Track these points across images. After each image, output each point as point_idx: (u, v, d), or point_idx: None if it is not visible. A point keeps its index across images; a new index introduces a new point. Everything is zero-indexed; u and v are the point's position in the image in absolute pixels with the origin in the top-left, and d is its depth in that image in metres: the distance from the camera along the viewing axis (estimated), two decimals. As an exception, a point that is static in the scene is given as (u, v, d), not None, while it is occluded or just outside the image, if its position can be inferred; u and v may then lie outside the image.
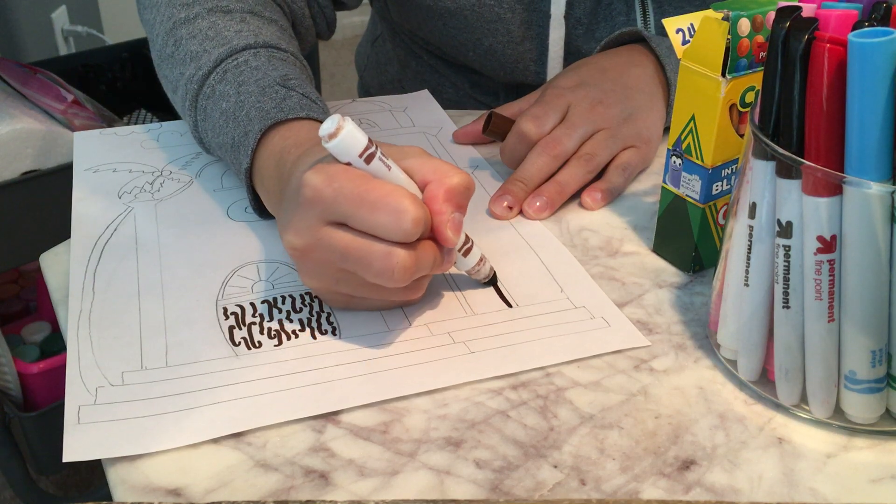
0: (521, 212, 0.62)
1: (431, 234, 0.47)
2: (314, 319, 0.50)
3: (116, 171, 0.65)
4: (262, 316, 0.51)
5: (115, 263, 0.55)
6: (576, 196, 0.64)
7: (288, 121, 0.55)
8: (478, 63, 0.80)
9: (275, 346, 0.48)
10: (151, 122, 1.49)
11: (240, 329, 0.49)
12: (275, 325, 0.50)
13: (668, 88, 0.67)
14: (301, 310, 0.51)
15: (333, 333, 0.49)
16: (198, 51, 0.60)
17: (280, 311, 0.51)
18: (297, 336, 0.49)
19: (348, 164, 0.45)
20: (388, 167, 0.46)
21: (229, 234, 0.58)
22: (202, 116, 0.60)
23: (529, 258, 0.57)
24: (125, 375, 0.46)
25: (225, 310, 0.51)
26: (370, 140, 0.45)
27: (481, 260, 0.52)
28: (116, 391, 0.45)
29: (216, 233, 0.58)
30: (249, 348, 0.48)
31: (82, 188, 0.63)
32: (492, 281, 0.54)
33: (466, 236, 0.51)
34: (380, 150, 0.45)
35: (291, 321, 0.50)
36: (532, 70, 0.78)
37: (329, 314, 0.51)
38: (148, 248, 0.56)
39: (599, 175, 0.64)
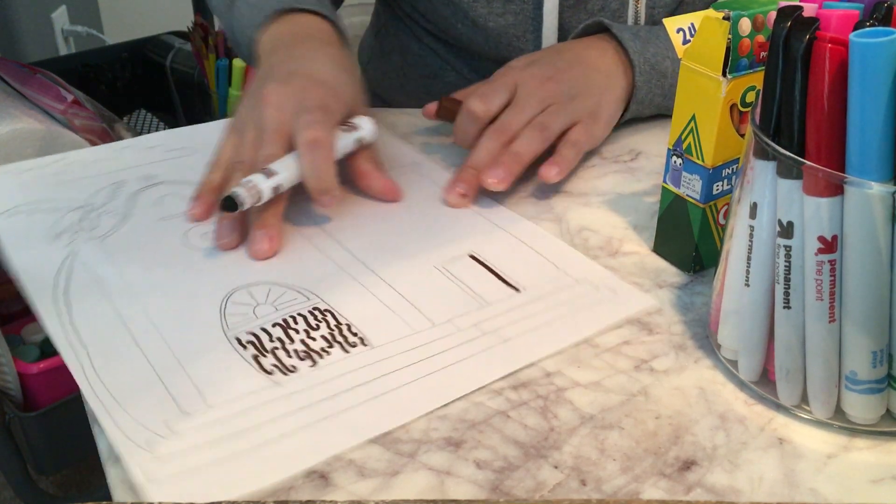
0: (475, 197, 0.62)
1: None
2: (337, 333, 0.49)
3: (38, 210, 0.60)
4: (280, 340, 0.48)
5: (89, 311, 0.51)
6: (576, 196, 0.64)
7: (286, 12, 0.67)
8: (467, 37, 0.80)
9: (310, 367, 0.47)
10: (151, 122, 1.49)
11: (265, 356, 0.47)
12: (299, 346, 0.48)
13: (632, 70, 0.68)
14: (318, 326, 0.50)
15: (363, 344, 0.48)
16: None
17: (297, 331, 0.49)
18: (328, 353, 0.48)
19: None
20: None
21: (198, 261, 0.55)
22: (238, 15, 0.71)
23: (509, 241, 0.58)
24: (170, 424, 0.42)
25: (239, 340, 0.48)
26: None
27: (248, 183, 0.55)
28: (172, 442, 0.41)
29: (184, 263, 0.55)
30: (286, 374, 0.46)
31: (10, 235, 0.57)
32: (226, 203, 0.54)
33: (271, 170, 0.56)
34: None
35: (314, 339, 0.49)
36: (517, 45, 0.78)
37: (349, 325, 0.50)
38: (117, 288, 0.52)
39: (551, 152, 0.64)
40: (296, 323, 0.50)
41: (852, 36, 0.36)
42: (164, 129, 1.48)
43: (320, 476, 0.41)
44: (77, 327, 0.49)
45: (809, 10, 0.40)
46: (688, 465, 0.41)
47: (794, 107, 0.39)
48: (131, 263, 0.55)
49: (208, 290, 0.53)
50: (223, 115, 1.40)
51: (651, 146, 0.71)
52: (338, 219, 0.60)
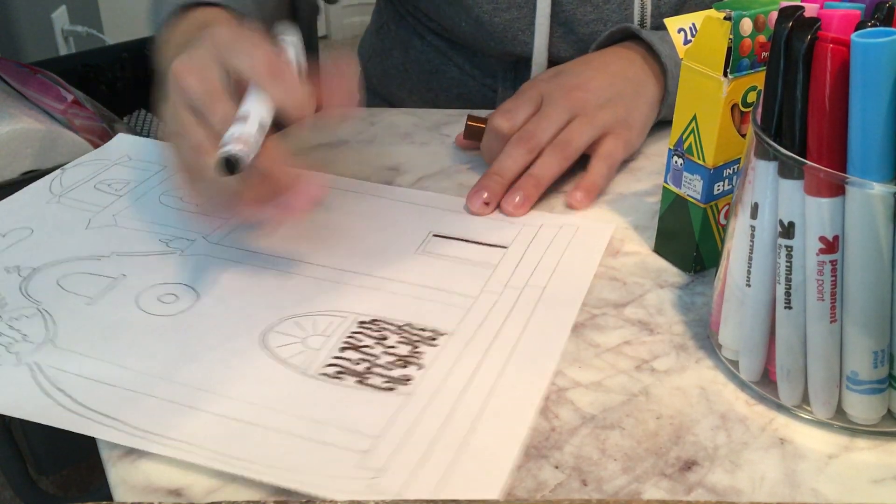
0: (498, 206, 0.62)
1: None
2: (408, 334, 0.49)
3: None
4: (364, 359, 0.47)
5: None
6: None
7: (188, 8, 0.61)
8: (471, 35, 0.80)
9: (419, 370, 0.46)
10: (152, 122, 1.49)
11: (368, 377, 0.46)
12: (390, 357, 0.47)
13: (664, 75, 0.67)
14: (384, 335, 0.49)
15: (440, 334, 0.49)
16: None
17: (370, 346, 0.48)
18: (421, 353, 0.48)
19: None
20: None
21: (192, 328, 0.50)
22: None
23: (454, 217, 0.61)
24: (371, 470, 0.40)
25: (325, 374, 0.46)
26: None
27: (239, 137, 0.46)
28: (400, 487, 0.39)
29: (176, 335, 0.49)
30: (406, 384, 0.45)
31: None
32: (228, 165, 0.46)
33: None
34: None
35: (394, 346, 0.48)
36: (521, 40, 0.78)
37: (408, 324, 0.50)
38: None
39: (582, 164, 0.64)
40: (360, 340, 0.49)
41: (854, 36, 0.36)
42: (164, 129, 1.48)
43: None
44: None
45: (811, 10, 0.40)
46: (689, 465, 0.41)
47: (796, 107, 0.39)
48: (102, 358, 0.48)
49: (239, 346, 0.48)
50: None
51: (652, 146, 0.71)
52: (302, 245, 0.57)
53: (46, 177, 0.64)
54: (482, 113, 0.70)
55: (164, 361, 0.47)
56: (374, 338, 0.49)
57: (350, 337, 0.49)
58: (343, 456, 0.41)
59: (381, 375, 0.46)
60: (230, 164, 0.45)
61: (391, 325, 0.50)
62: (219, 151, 0.45)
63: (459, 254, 0.57)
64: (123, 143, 0.70)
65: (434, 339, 0.49)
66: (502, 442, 0.42)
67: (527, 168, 0.63)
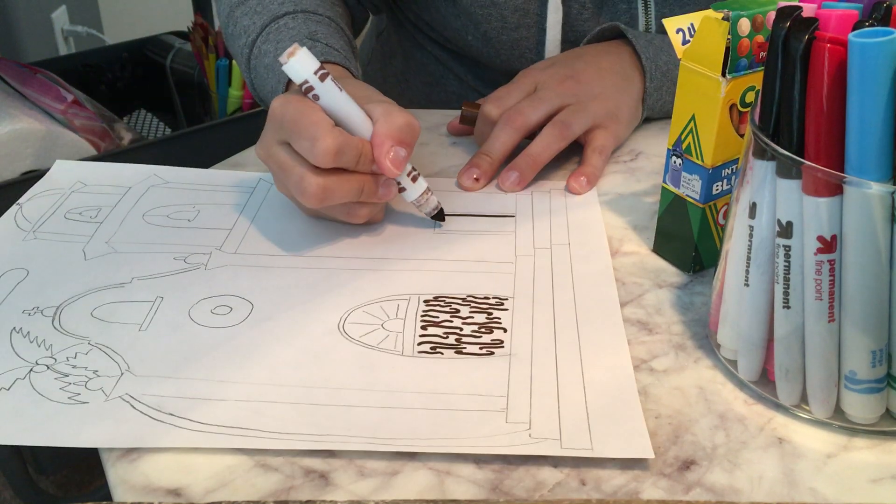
0: (487, 183, 0.65)
1: (365, 168, 0.53)
2: (480, 304, 0.52)
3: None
4: (452, 332, 0.49)
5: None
6: (577, 195, 0.64)
7: None
8: (476, 49, 0.81)
9: (505, 332, 0.50)
10: (151, 122, 1.49)
11: (463, 346, 0.48)
12: (473, 326, 0.50)
13: (643, 76, 0.70)
14: (456, 309, 0.52)
15: (506, 299, 0.52)
16: (248, 24, 0.69)
17: (450, 320, 0.50)
18: (501, 318, 0.51)
19: (306, 83, 0.51)
20: (340, 89, 0.52)
21: (255, 340, 0.50)
22: (255, 74, 0.69)
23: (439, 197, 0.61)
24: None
25: (424, 352, 0.48)
26: (322, 64, 0.52)
27: (427, 191, 0.58)
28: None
29: (244, 343, 0.49)
30: (501, 346, 0.48)
31: None
32: (439, 215, 0.59)
33: (413, 168, 0.57)
34: (332, 76, 0.52)
35: (472, 315, 0.51)
36: (528, 58, 0.79)
37: (471, 296, 0.53)
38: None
39: (573, 149, 0.66)
40: (436, 317, 0.51)
41: (851, 36, 0.36)
42: (165, 128, 1.48)
43: (320, 476, 0.41)
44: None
45: (808, 10, 0.40)
46: (687, 464, 0.41)
47: (794, 107, 0.39)
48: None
49: (323, 341, 0.49)
50: (223, 114, 1.40)
51: (651, 146, 0.71)
52: (322, 242, 0.58)
53: (6, 213, 0.61)
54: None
55: (256, 369, 0.47)
56: (448, 312, 0.51)
57: (424, 315, 0.51)
58: (488, 417, 0.43)
59: (474, 343, 0.49)
60: (441, 214, 0.59)
61: (455, 298, 0.53)
62: (434, 201, 0.58)
63: (473, 227, 0.60)
64: (69, 169, 0.67)
65: (501, 304, 0.52)
66: (619, 395, 0.45)
67: (516, 145, 0.65)
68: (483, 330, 0.50)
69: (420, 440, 0.42)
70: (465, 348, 0.48)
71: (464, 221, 0.61)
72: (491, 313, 0.51)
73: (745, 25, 0.48)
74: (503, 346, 0.49)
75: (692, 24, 0.51)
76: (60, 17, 1.91)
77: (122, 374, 0.46)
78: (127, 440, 0.42)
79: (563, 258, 0.57)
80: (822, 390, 0.43)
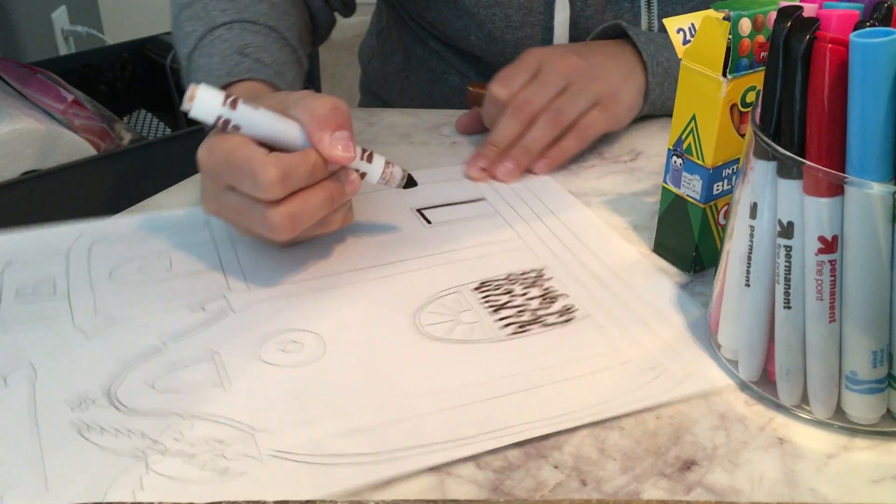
0: (493, 172, 0.66)
1: (322, 176, 0.51)
2: (534, 281, 0.54)
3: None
4: (524, 311, 0.51)
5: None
6: (577, 196, 0.64)
7: (233, 83, 0.61)
8: (480, 48, 0.81)
9: (566, 298, 0.52)
10: (151, 122, 1.49)
11: (542, 319, 0.50)
12: (539, 301, 0.52)
13: (646, 71, 0.70)
14: (510, 289, 0.53)
15: (545, 276, 0.54)
16: (189, 31, 0.67)
17: (513, 300, 0.52)
18: (559, 293, 0.53)
19: (219, 118, 0.49)
20: (256, 108, 0.50)
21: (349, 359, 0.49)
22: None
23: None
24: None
25: (515, 334, 0.49)
26: (226, 93, 0.50)
27: (388, 164, 0.55)
28: None
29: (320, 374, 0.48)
30: (573, 312, 0.51)
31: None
32: (409, 182, 0.57)
33: (363, 149, 0.54)
34: (242, 100, 0.50)
35: (535, 295, 0.53)
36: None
37: (519, 274, 0.55)
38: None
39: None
40: (498, 300, 0.52)
41: (852, 36, 0.36)
42: (165, 128, 1.48)
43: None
44: None
45: (810, 10, 0.40)
46: (688, 464, 0.41)
47: (795, 107, 0.39)
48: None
49: (414, 350, 0.49)
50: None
51: (651, 146, 0.71)
52: (321, 262, 0.56)
53: None
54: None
55: (376, 393, 0.45)
56: (503, 293, 0.53)
57: (485, 301, 0.52)
58: (620, 374, 0.46)
59: (549, 314, 0.51)
60: (412, 179, 0.57)
61: (499, 279, 0.54)
62: (399, 171, 0.56)
63: (457, 215, 0.61)
64: None
65: (542, 274, 0.54)
66: (685, 332, 0.49)
67: (523, 135, 0.66)
68: (548, 301, 0.52)
69: (571, 414, 0.44)
70: (545, 320, 0.50)
71: (442, 212, 0.62)
72: (542, 285, 0.53)
73: (745, 25, 0.48)
74: (574, 311, 0.51)
75: (693, 24, 0.51)
76: (60, 17, 1.91)
77: (251, 435, 0.42)
78: (340, 487, 0.40)
79: (559, 225, 0.60)
80: (823, 390, 0.43)
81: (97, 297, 0.53)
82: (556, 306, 0.51)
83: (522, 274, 0.55)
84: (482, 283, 0.54)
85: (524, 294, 0.53)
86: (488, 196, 0.64)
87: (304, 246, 0.57)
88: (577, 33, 0.77)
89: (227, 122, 0.49)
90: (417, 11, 0.85)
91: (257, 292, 0.53)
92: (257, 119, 0.50)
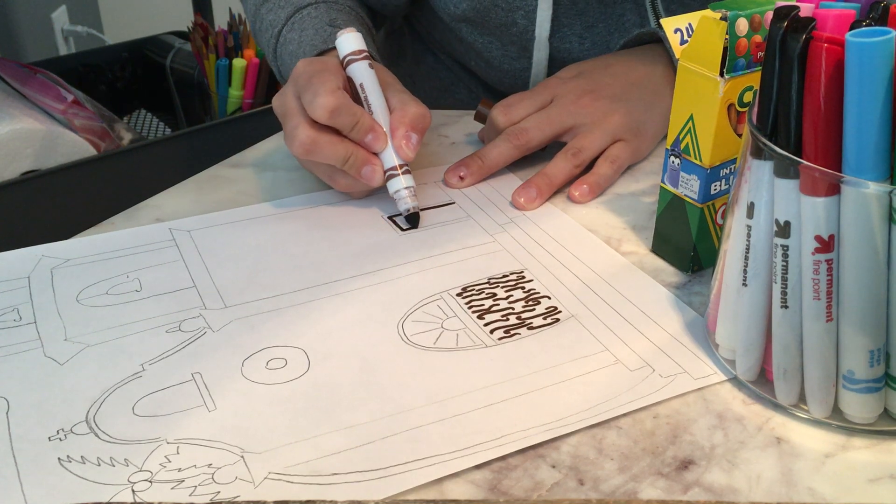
0: (473, 185, 0.66)
1: (358, 138, 0.58)
2: (517, 283, 0.54)
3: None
4: (511, 315, 0.51)
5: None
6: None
7: (327, 51, 0.67)
8: (481, 71, 0.81)
9: (549, 300, 0.53)
10: (151, 121, 1.49)
11: (528, 321, 0.51)
12: (524, 305, 0.52)
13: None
14: (497, 295, 0.53)
15: (525, 277, 0.55)
16: (273, 19, 0.73)
17: (497, 305, 0.52)
18: (549, 297, 0.53)
19: (346, 57, 0.60)
20: (372, 72, 0.60)
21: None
22: (281, 62, 0.73)
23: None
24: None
25: (504, 338, 0.49)
26: (367, 50, 0.61)
27: (410, 189, 0.60)
28: None
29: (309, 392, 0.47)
30: (557, 312, 0.51)
31: None
32: (412, 218, 0.60)
33: (407, 165, 0.60)
34: (369, 61, 0.60)
35: (518, 299, 0.53)
36: (535, 83, 0.78)
37: (503, 276, 0.55)
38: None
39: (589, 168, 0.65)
40: (482, 304, 0.52)
41: (849, 36, 0.36)
42: (165, 129, 1.48)
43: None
44: None
45: (806, 9, 0.40)
46: (686, 464, 0.41)
47: (791, 106, 0.39)
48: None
49: (403, 362, 0.48)
50: (223, 114, 1.39)
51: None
52: (291, 276, 0.55)
53: None
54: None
55: (373, 405, 0.45)
56: (487, 297, 0.53)
57: (469, 307, 0.52)
58: (614, 374, 0.47)
59: (535, 317, 0.51)
60: (415, 218, 0.60)
61: (480, 284, 0.54)
62: (412, 202, 0.60)
63: (428, 221, 0.61)
64: None
65: (522, 276, 0.55)
66: (683, 331, 0.50)
67: (512, 161, 0.66)
68: (531, 303, 0.52)
69: (570, 417, 0.44)
70: (531, 323, 0.50)
71: (436, 211, 0.62)
72: (524, 287, 0.53)
73: (742, 25, 0.48)
74: (559, 312, 0.51)
75: (690, 24, 0.51)
76: (60, 17, 1.91)
77: (240, 457, 0.41)
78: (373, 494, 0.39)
79: (529, 223, 0.61)
80: (821, 390, 0.43)
81: (66, 322, 0.51)
82: (540, 308, 0.52)
83: (503, 277, 0.55)
84: (464, 288, 0.54)
85: (507, 297, 0.53)
86: (458, 199, 0.64)
87: (277, 258, 0.57)
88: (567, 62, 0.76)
89: (350, 62, 0.60)
90: (427, 28, 0.85)
91: (234, 309, 0.52)
92: (370, 80, 0.60)
